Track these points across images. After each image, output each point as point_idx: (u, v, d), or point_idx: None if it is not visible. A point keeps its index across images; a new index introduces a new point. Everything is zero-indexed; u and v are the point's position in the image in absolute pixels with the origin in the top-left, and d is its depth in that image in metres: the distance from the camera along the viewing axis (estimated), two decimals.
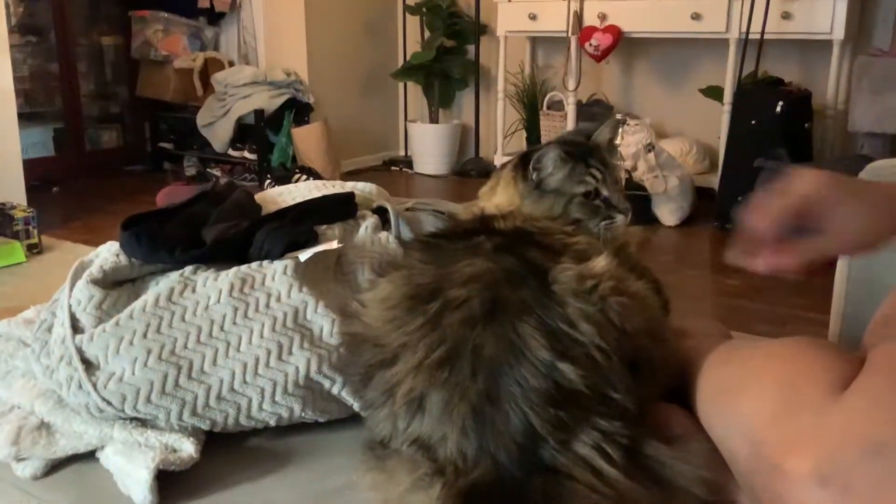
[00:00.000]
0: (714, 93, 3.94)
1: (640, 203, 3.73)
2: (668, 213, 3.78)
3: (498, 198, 1.02)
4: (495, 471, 0.71)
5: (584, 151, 1.02)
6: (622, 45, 4.05)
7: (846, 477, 0.54)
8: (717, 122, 3.84)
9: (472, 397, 0.72)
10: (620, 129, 3.85)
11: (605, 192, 1.00)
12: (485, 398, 0.72)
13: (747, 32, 3.59)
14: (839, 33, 3.50)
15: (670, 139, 4.20)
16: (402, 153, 5.44)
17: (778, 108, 3.42)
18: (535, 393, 0.71)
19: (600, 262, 0.81)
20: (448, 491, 0.69)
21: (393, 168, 5.21)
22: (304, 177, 4.19)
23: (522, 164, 1.01)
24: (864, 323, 0.85)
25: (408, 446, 0.75)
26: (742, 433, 0.65)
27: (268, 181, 4.31)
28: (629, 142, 3.81)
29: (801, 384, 0.63)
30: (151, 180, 4.72)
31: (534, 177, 1.00)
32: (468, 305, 0.76)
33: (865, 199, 0.76)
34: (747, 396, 0.67)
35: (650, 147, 3.72)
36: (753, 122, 3.49)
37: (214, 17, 5.06)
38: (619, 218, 0.99)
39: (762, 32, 3.54)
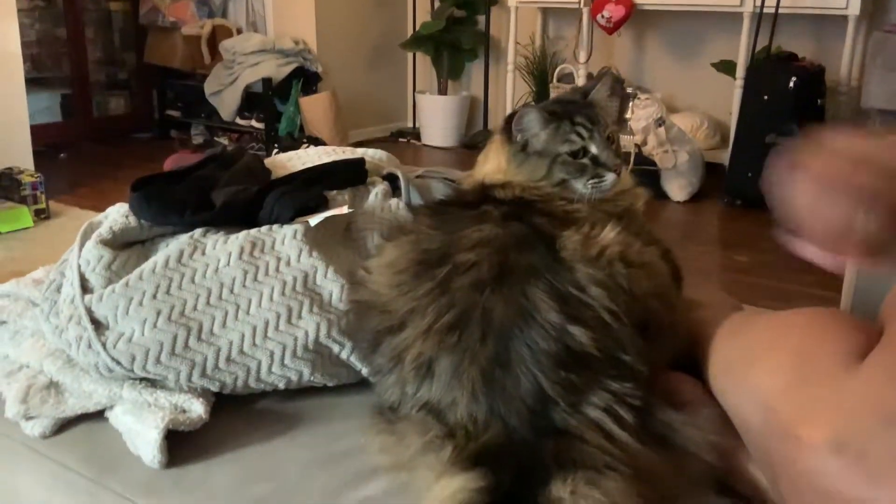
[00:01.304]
0: (727, 67, 3.89)
1: (649, 178, 3.70)
2: (677, 189, 3.76)
3: (489, 164, 0.99)
4: (506, 434, 0.71)
5: (573, 110, 0.97)
6: (634, 17, 4.00)
7: (861, 446, 0.54)
8: (729, 98, 3.80)
9: (481, 361, 0.72)
10: (623, 91, 3.81)
11: (593, 150, 0.94)
12: (495, 362, 0.72)
13: (762, 7, 3.54)
14: (854, 9, 3.45)
15: (681, 114, 4.17)
16: (410, 125, 5.40)
17: (791, 84, 3.38)
18: (546, 356, 0.71)
19: (609, 233, 0.81)
20: (459, 453, 0.69)
21: (401, 139, 5.18)
22: (312, 146, 4.17)
23: (507, 126, 0.98)
24: (876, 297, 0.84)
25: (417, 411, 0.75)
26: (756, 402, 0.65)
27: (275, 150, 4.29)
28: (640, 116, 3.78)
29: (816, 354, 0.62)
30: (158, 148, 4.70)
31: (518, 138, 0.96)
32: (477, 269, 0.76)
33: None
34: (761, 366, 0.67)
35: (661, 121, 3.69)
36: (766, 97, 3.45)
37: None
38: (609, 176, 0.94)
39: (776, 7, 3.50)
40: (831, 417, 0.56)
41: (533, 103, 1.02)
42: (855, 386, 0.57)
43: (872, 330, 0.64)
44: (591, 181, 0.94)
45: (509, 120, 0.98)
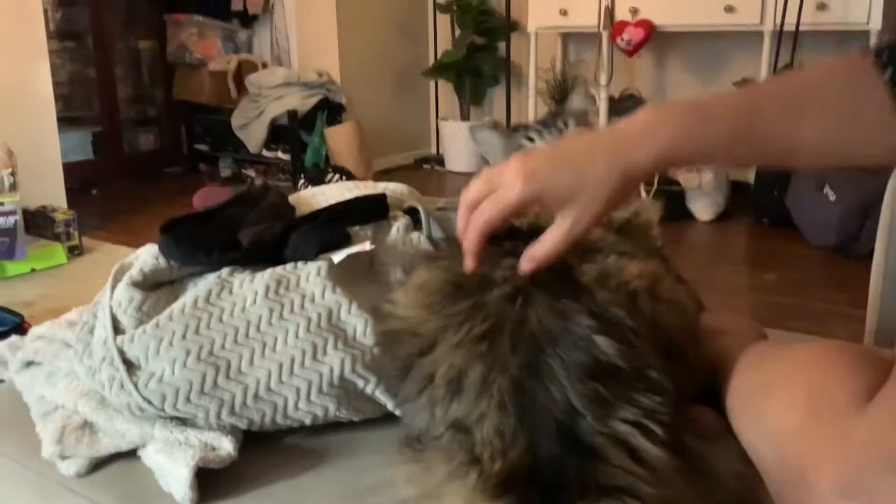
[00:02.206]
0: None
1: (674, 198, 3.69)
2: (702, 209, 3.75)
3: None
4: (532, 450, 0.70)
5: (530, 123, 1.00)
6: (654, 38, 4.01)
7: (869, 491, 0.54)
8: None
9: (512, 370, 0.72)
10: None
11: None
12: (526, 371, 0.72)
13: (782, 24, 3.54)
14: (876, 23, 3.44)
15: None
16: (433, 151, 5.45)
17: None
18: (575, 366, 0.71)
19: (633, 269, 0.81)
20: (486, 480, 0.70)
21: (425, 166, 5.23)
22: (338, 176, 4.22)
23: None
24: None
25: (445, 429, 0.75)
26: (770, 440, 0.65)
27: (301, 181, 4.35)
28: None
29: (829, 392, 0.62)
30: (188, 182, 4.79)
31: (489, 160, 0.99)
32: (508, 285, 0.77)
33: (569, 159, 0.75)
34: (775, 403, 0.67)
35: None
36: None
37: (248, 20, 5.13)
38: None
39: (797, 24, 3.50)
40: (839, 461, 0.56)
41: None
42: (862, 428, 0.57)
43: (886, 363, 0.64)
44: None
45: None
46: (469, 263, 0.79)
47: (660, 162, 0.76)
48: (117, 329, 0.94)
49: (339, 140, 4.55)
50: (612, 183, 0.74)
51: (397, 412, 0.89)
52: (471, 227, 0.78)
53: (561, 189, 0.75)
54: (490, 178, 0.78)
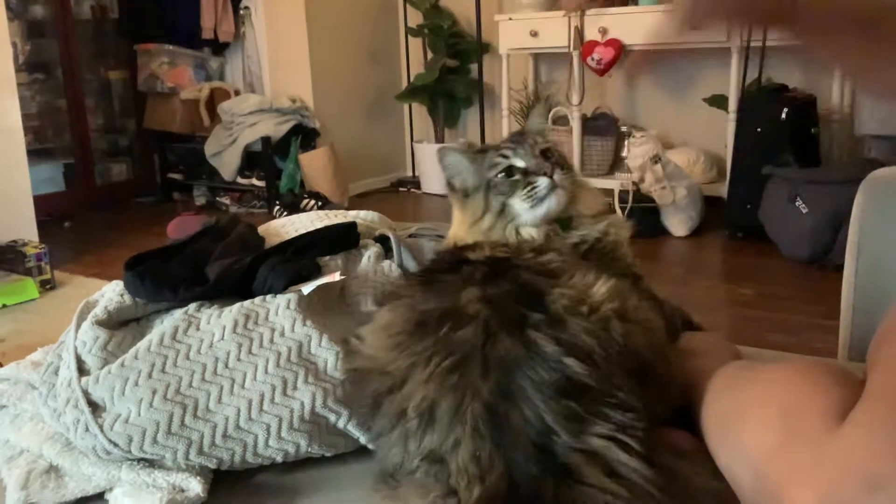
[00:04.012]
0: (719, 102, 3.93)
1: (649, 215, 3.72)
2: (677, 224, 3.77)
3: (454, 226, 1.03)
4: (509, 474, 0.70)
5: (498, 143, 1.01)
6: (624, 58, 4.05)
7: None
8: (723, 131, 3.83)
9: (484, 395, 0.72)
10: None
11: (520, 164, 0.96)
12: (498, 394, 0.72)
13: (749, 41, 3.59)
14: None
15: (677, 150, 4.19)
16: (409, 174, 5.45)
17: (783, 115, 3.41)
18: (546, 385, 0.71)
19: (601, 287, 0.81)
20: None
21: (401, 189, 5.23)
22: (313, 202, 4.21)
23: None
24: (873, 332, 0.84)
25: (420, 461, 0.75)
26: (745, 463, 0.65)
27: (277, 207, 4.33)
28: (636, 154, 3.81)
29: (802, 413, 0.62)
30: (162, 211, 4.76)
31: (457, 185, 1.00)
32: (475, 322, 0.77)
33: None
34: (749, 426, 0.67)
35: (657, 158, 3.72)
36: (759, 129, 3.48)
37: (219, 48, 5.12)
38: (541, 180, 0.94)
39: (763, 40, 3.54)
40: (815, 482, 0.56)
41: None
42: (837, 448, 0.57)
43: (857, 381, 0.64)
44: (524, 192, 0.95)
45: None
46: None
47: None
48: (82, 370, 0.92)
49: (314, 165, 4.54)
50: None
51: (370, 446, 0.87)
52: None
53: None
54: None
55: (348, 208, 2.05)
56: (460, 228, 1.01)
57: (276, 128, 4.56)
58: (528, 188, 0.95)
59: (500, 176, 0.97)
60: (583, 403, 0.71)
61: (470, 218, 0.98)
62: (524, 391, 0.71)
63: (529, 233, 0.97)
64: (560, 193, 0.96)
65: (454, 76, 4.95)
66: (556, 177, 0.96)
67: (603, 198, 1.07)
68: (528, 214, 0.96)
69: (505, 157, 0.97)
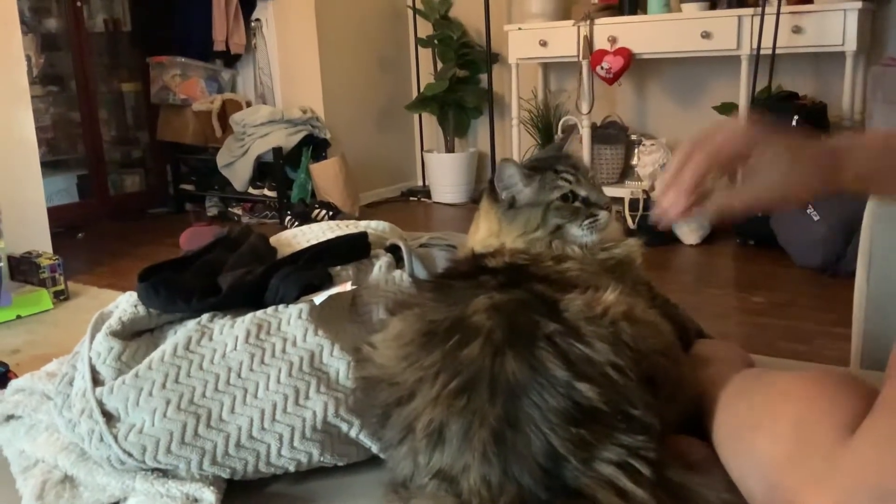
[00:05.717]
0: (728, 109, 3.93)
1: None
2: (688, 232, 3.76)
3: (481, 231, 1.03)
4: (521, 498, 0.70)
5: (552, 161, 1.03)
6: (634, 66, 4.06)
7: None
8: None
9: (491, 422, 0.72)
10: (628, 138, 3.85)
11: (582, 193, 0.99)
12: (505, 422, 0.72)
13: (758, 48, 3.59)
14: (851, 45, 3.49)
15: None
16: (419, 183, 5.47)
17: (793, 122, 3.40)
18: (554, 413, 0.71)
19: (609, 295, 0.82)
20: None
21: (411, 198, 5.24)
22: (324, 212, 4.23)
23: (491, 188, 1.02)
24: (885, 340, 0.84)
25: (430, 479, 0.75)
26: (758, 472, 0.65)
27: (288, 217, 4.35)
28: (646, 162, 3.81)
29: (815, 424, 0.62)
30: (174, 222, 4.78)
31: (503, 196, 1.00)
32: (483, 336, 0.77)
33: (790, 150, 0.78)
34: (762, 436, 0.67)
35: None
36: None
37: (230, 60, 5.16)
38: (602, 213, 0.99)
39: (773, 47, 3.54)
40: (828, 492, 0.56)
41: (506, 159, 1.07)
42: (850, 459, 0.57)
43: (870, 392, 0.64)
44: (586, 222, 0.98)
45: (492, 181, 1.02)
46: (681, 202, 0.83)
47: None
48: (96, 380, 0.93)
49: (325, 175, 4.56)
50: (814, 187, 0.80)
51: (382, 455, 0.88)
52: (694, 157, 0.82)
53: (779, 147, 0.79)
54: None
55: (359, 218, 2.06)
56: (489, 234, 1.01)
57: (287, 138, 4.59)
58: (591, 219, 0.98)
59: (560, 200, 0.99)
60: (592, 430, 0.71)
61: (518, 229, 0.99)
62: (532, 418, 0.72)
63: (573, 248, 0.99)
64: (609, 221, 1.00)
65: (464, 86, 4.97)
66: (611, 210, 1.00)
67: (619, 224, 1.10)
68: (582, 239, 0.99)
69: (567, 181, 1.00)
